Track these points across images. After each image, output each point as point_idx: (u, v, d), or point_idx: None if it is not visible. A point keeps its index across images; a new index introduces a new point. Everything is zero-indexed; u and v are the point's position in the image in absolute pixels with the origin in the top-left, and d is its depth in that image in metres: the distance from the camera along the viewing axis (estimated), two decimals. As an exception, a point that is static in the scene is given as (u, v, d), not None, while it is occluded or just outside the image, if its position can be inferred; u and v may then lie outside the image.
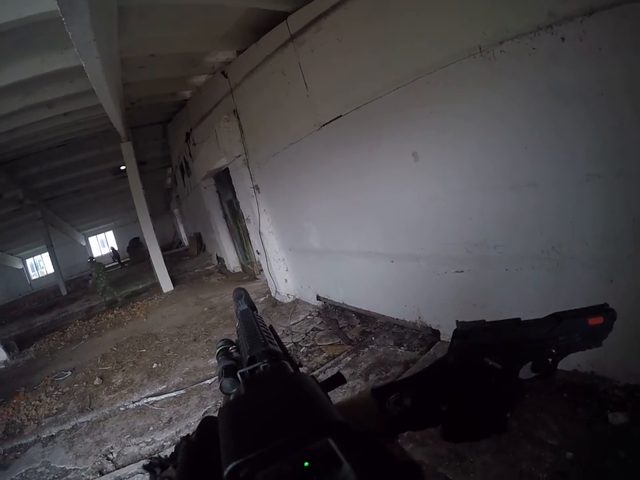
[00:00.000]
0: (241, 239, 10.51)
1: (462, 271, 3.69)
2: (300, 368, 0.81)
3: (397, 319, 4.86)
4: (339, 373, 0.73)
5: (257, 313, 1.09)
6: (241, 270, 11.37)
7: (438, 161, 3.58)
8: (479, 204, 3.32)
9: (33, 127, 8.83)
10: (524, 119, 2.85)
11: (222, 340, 0.97)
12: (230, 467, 0.38)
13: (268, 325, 0.99)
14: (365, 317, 5.41)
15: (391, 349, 4.46)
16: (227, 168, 8.03)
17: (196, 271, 14.05)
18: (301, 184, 5.71)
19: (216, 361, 0.90)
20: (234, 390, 0.72)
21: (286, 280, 7.23)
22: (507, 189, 3.09)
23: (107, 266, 27.11)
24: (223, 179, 9.65)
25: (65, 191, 18.54)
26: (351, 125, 4.35)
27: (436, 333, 4.28)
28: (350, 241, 5.12)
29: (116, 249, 26.73)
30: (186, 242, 22.99)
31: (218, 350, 0.91)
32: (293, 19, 4.78)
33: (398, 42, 3.56)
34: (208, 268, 13.72)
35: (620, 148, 2.44)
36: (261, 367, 0.70)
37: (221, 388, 0.74)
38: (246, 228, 8.37)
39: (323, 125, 4.73)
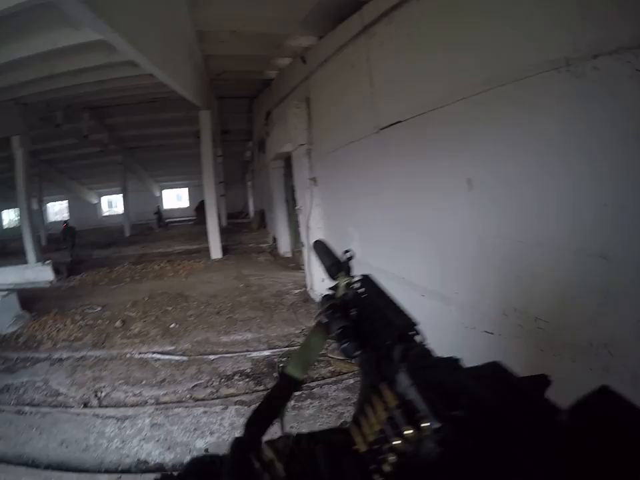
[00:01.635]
0: (296, 226, 10.52)
1: (492, 333, 3.13)
2: None
3: None
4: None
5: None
6: (290, 256, 11.37)
7: (494, 196, 2.98)
8: (532, 262, 2.67)
9: (120, 81, 9.76)
10: (614, 165, 2.12)
11: (326, 295, 0.96)
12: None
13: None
14: None
15: None
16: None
17: (250, 245, 14.23)
18: (353, 186, 5.46)
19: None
20: (357, 352, 0.74)
21: (323, 279, 6.89)
22: (569, 253, 2.40)
23: (170, 220, 28.68)
24: (291, 164, 9.71)
25: (148, 143, 20.03)
26: (409, 132, 3.95)
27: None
28: (386, 259, 4.79)
29: (161, 209, 27.86)
30: (252, 215, 23.66)
31: (326, 306, 0.90)
32: (368, 8, 4.48)
33: (470, 44, 3.03)
34: (262, 245, 13.83)
35: None
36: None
37: (344, 351, 0.75)
38: (300, 217, 8.46)
39: (382, 129, 4.40)
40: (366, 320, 0.81)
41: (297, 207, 7.68)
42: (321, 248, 1.19)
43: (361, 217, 5.41)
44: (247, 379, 4.47)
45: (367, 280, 0.94)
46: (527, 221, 2.69)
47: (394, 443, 0.52)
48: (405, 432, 0.51)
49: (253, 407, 0.79)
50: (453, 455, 0.45)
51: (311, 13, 5.75)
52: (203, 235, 12.82)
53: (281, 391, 0.85)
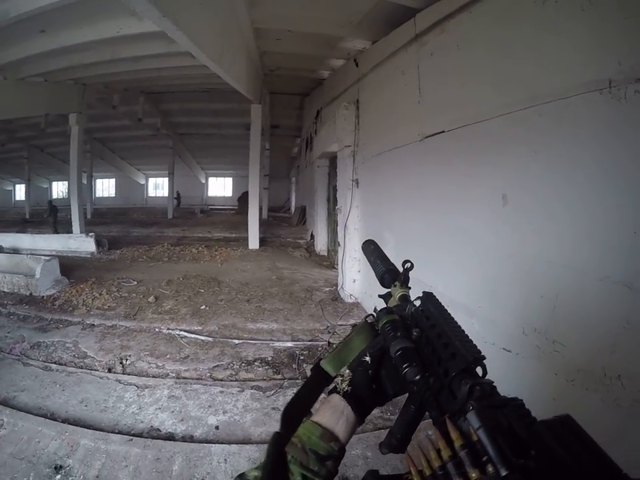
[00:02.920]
0: (334, 226, 10.58)
1: (510, 351, 3.11)
2: None
3: None
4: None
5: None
6: (326, 254, 11.41)
7: (527, 214, 2.96)
8: (557, 284, 2.64)
9: (177, 70, 10.19)
10: None
11: (387, 309, 0.90)
12: None
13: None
14: None
15: None
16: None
17: (287, 239, 14.32)
18: (393, 191, 5.48)
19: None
20: (417, 377, 0.69)
21: (354, 280, 7.10)
22: (595, 279, 2.34)
23: (213, 207, 29.28)
24: (335, 164, 9.81)
25: (199, 131, 20.74)
26: (452, 143, 3.96)
27: None
28: (417, 266, 4.73)
29: (180, 193, 28.26)
30: (293, 210, 23.82)
31: (387, 320, 0.84)
32: (421, 17, 4.54)
33: (518, 58, 3.01)
34: (299, 241, 13.86)
35: None
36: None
37: (405, 375, 0.70)
38: (340, 216, 8.49)
39: (426, 137, 4.42)
40: (428, 343, 0.77)
41: (337, 207, 7.75)
42: (373, 250, 1.16)
43: (396, 222, 5.45)
44: (267, 367, 4.59)
45: (429, 298, 0.89)
46: (557, 242, 2.68)
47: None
48: (470, 474, 0.52)
49: (288, 400, 0.81)
50: None
51: (366, 17, 5.83)
52: (243, 225, 13.05)
53: (314, 384, 0.86)
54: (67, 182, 22.41)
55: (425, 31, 4.40)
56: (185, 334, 5.47)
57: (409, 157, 4.88)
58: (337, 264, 8.04)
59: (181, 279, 8.19)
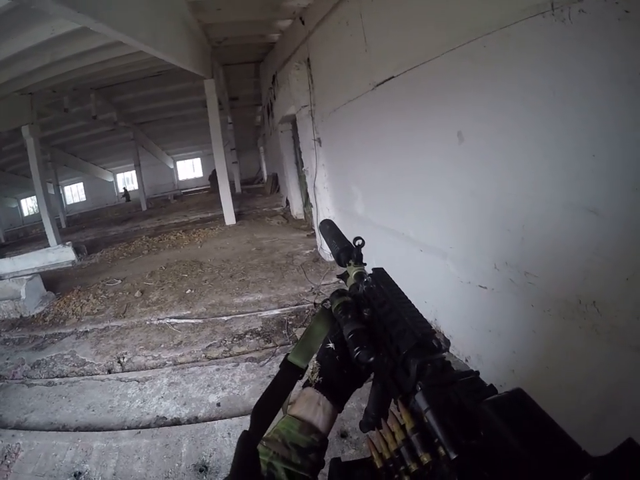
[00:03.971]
0: (306, 188, 10.54)
1: (485, 288, 3.11)
2: None
3: None
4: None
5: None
6: (303, 217, 11.43)
7: (485, 148, 2.90)
8: (522, 215, 2.61)
9: (123, 59, 9.76)
10: (600, 113, 1.99)
11: (338, 291, 0.89)
12: None
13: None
14: None
15: None
16: (297, 116, 7.97)
17: (263, 209, 14.26)
18: (353, 145, 5.41)
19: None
20: (371, 359, 0.69)
21: (333, 240, 7.21)
22: (560, 207, 2.31)
23: (186, 191, 29.08)
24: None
25: (158, 117, 20.14)
26: (402, 88, 3.87)
27: (447, 342, 3.78)
28: (387, 215, 4.81)
29: (127, 188, 29.03)
30: (265, 179, 23.59)
31: (339, 303, 0.84)
32: None
33: None
34: (275, 209, 13.83)
35: None
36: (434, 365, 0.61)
37: (357, 359, 0.70)
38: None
39: (377, 85, 4.32)
40: (379, 321, 0.76)
41: (303, 169, 7.73)
42: (328, 230, 1.14)
43: (362, 175, 5.43)
44: (258, 337, 4.67)
45: (380, 274, 0.88)
46: (517, 173, 2.64)
47: (409, 466, 0.53)
48: (422, 458, 0.51)
49: (259, 397, 0.79)
50: None
51: None
52: (217, 203, 12.96)
53: (284, 379, 0.84)
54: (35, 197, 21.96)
55: None
56: (175, 321, 5.51)
57: (364, 107, 4.82)
58: (314, 225, 8.05)
59: (164, 268, 8.17)
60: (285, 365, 0.85)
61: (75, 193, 32.01)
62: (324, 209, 7.09)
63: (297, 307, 5.33)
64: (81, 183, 31.38)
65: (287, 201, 13.24)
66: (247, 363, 4.17)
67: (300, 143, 7.75)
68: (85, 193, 31.77)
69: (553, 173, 2.33)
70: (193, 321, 5.43)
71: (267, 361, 4.12)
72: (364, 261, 1.04)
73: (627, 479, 0.39)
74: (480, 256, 3.12)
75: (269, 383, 0.82)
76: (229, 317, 5.33)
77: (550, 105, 2.27)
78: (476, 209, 3.10)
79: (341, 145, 6.04)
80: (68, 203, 29.64)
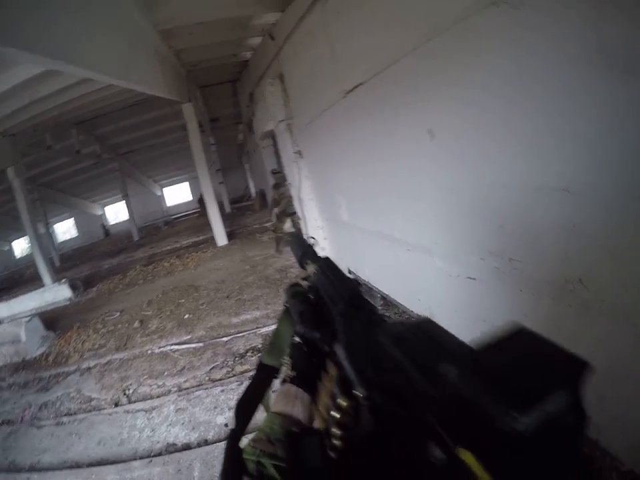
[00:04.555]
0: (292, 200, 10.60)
1: (474, 279, 3.14)
2: None
3: (411, 310, 4.51)
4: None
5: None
6: (293, 229, 11.56)
7: (456, 143, 2.94)
8: (499, 204, 2.66)
9: (101, 91, 9.79)
10: (561, 95, 2.04)
11: (292, 284, 0.97)
12: None
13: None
14: (388, 301, 5.19)
15: None
16: (276, 131, 8.02)
17: (254, 227, 14.27)
18: (332, 154, 5.44)
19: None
20: (315, 334, 0.73)
21: (323, 248, 7.08)
22: (532, 190, 2.35)
23: (176, 216, 29.07)
24: (277, 141, 9.76)
25: (140, 145, 20.04)
26: (371, 93, 3.94)
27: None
28: (371, 219, 4.84)
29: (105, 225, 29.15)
30: (253, 196, 23.53)
31: (291, 293, 0.91)
32: None
33: None
34: (265, 225, 13.75)
35: None
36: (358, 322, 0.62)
37: (299, 333, 0.76)
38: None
39: (347, 93, 4.38)
40: (323, 300, 0.81)
41: (287, 182, 7.78)
42: (294, 242, 1.22)
43: (343, 183, 5.46)
44: (259, 354, 4.69)
45: (324, 263, 0.94)
46: (490, 162, 2.67)
47: (333, 415, 0.55)
48: (340, 403, 0.54)
49: (238, 398, 0.85)
50: (386, 422, 0.45)
51: None
52: (208, 225, 12.99)
53: (260, 380, 0.89)
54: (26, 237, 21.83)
55: None
56: (176, 347, 5.52)
57: (338, 116, 4.88)
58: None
59: (160, 295, 8.18)
60: (260, 366, 0.91)
61: (65, 229, 31.78)
62: (312, 220, 7.13)
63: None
64: (71, 219, 31.15)
65: (276, 215, 13.26)
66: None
67: (282, 157, 7.82)
68: (76, 229, 31.53)
69: (524, 158, 2.37)
70: (193, 345, 5.44)
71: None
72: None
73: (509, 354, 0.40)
74: (465, 248, 3.16)
75: (246, 387, 0.87)
76: (229, 337, 5.35)
77: (514, 92, 2.32)
78: (455, 203, 3.15)
79: (321, 155, 6.08)
80: (59, 240, 29.38)
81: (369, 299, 0.70)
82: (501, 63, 2.35)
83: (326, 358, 0.77)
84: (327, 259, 0.96)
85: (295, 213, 8.96)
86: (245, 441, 0.72)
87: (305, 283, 0.99)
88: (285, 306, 0.95)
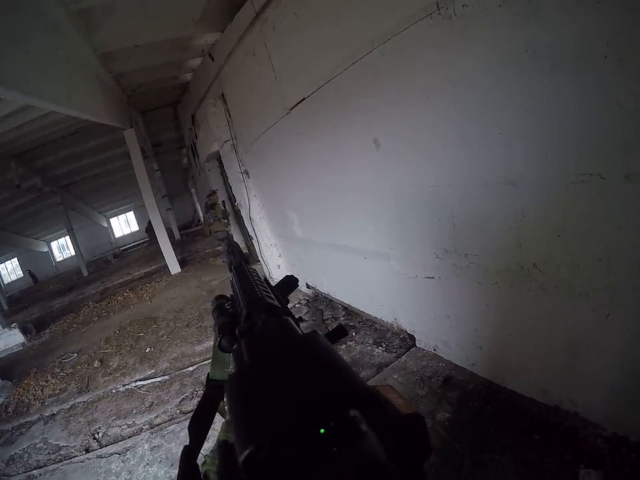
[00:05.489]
0: (242, 221, 10.48)
1: (432, 278, 3.25)
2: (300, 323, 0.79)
3: (375, 317, 4.60)
4: (340, 325, 0.65)
5: (250, 266, 1.07)
6: (246, 251, 11.51)
7: (401, 149, 3.08)
8: (448, 203, 2.78)
9: (40, 120, 9.47)
10: (496, 94, 2.19)
11: (216, 297, 0.97)
12: (246, 453, 0.35)
13: (263, 278, 0.95)
14: (350, 310, 5.24)
15: (369, 347, 4.29)
16: (221, 152, 7.95)
17: (206, 251, 14.11)
18: (280, 171, 5.50)
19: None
20: (234, 347, 0.72)
21: (279, 266, 7.15)
22: (479, 187, 2.49)
23: (125, 248, 28.30)
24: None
25: (83, 176, 19.22)
26: (315, 107, 4.02)
27: (412, 338, 3.96)
28: (326, 232, 4.89)
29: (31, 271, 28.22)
30: (202, 221, 23.11)
31: (213, 307, 0.91)
32: None
33: (349, 9, 3.06)
34: (218, 248, 13.65)
35: (634, 142, 1.69)
36: (259, 322, 0.66)
37: (220, 347, 0.74)
38: (246, 211, 8.36)
39: (291, 109, 4.46)
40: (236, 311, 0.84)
41: (236, 202, 7.74)
42: (226, 249, 1.26)
43: (294, 199, 5.51)
44: (225, 378, 4.64)
45: (236, 269, 1.00)
46: (434, 164, 2.81)
47: None
48: None
49: (191, 414, 0.86)
50: None
51: (206, 11, 5.65)
52: (159, 254, 12.72)
53: (210, 396, 0.91)
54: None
55: (262, 8, 4.35)
56: (142, 383, 5.32)
57: (283, 133, 4.92)
58: (258, 257, 8.06)
59: (118, 331, 7.88)
60: (208, 383, 0.94)
61: (10, 269, 30.27)
62: (264, 239, 7.11)
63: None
64: (15, 259, 29.69)
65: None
66: (223, 408, 4.13)
67: (229, 178, 7.77)
68: (22, 268, 29.99)
69: (467, 156, 2.51)
70: (159, 379, 5.28)
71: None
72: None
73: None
74: (420, 249, 3.27)
75: (197, 404, 0.89)
76: (195, 366, 5.23)
77: (451, 96, 2.46)
78: (405, 207, 3.27)
79: (268, 173, 6.11)
80: (5, 282, 27.98)
81: (271, 299, 0.76)
82: (439, 68, 2.49)
83: None
84: (238, 266, 1.01)
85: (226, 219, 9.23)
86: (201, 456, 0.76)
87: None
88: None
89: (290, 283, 0.98)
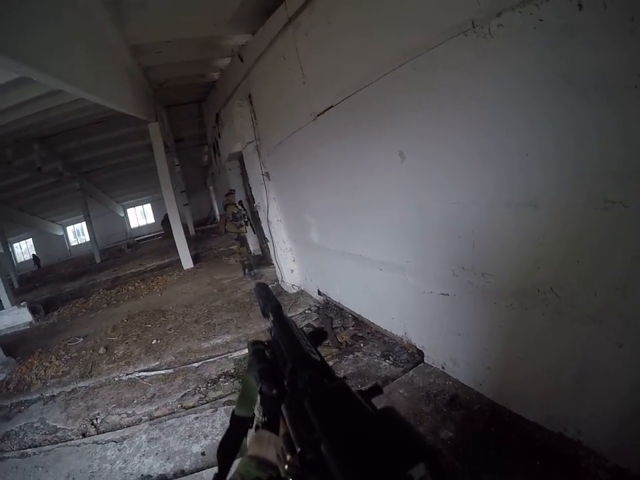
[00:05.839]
0: (259, 223, 10.48)
1: (447, 294, 3.22)
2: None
3: (384, 329, 4.56)
4: (376, 384, 0.65)
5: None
6: (260, 253, 11.42)
7: (425, 164, 3.08)
8: (469, 221, 2.76)
9: (65, 107, 9.63)
10: (522, 117, 2.19)
11: (253, 341, 0.99)
12: None
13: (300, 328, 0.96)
14: (360, 321, 5.18)
15: (376, 360, 4.24)
16: (243, 153, 7.99)
17: (220, 249, 14.16)
18: (303, 176, 5.49)
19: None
20: (273, 391, 0.77)
21: (292, 270, 7.13)
22: (502, 206, 2.48)
23: (140, 238, 28.49)
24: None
25: (104, 164, 19.52)
26: (342, 116, 4.02)
27: (420, 353, 3.92)
28: (343, 240, 4.88)
29: (36, 255, 28.32)
30: (218, 219, 23.16)
31: (251, 352, 0.93)
32: (290, 0, 4.47)
33: (386, 20, 3.05)
34: (232, 247, 13.74)
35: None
36: (306, 377, 0.68)
37: (260, 391, 0.80)
38: (263, 213, 8.38)
39: (318, 115, 4.46)
40: (277, 359, 0.85)
41: (255, 204, 7.75)
42: (258, 292, 1.24)
43: (313, 204, 5.50)
44: (232, 379, 4.56)
45: (275, 316, 0.99)
46: (459, 182, 2.79)
47: (285, 468, 0.58)
48: (287, 457, 0.57)
49: (218, 445, 0.90)
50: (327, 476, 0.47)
51: (239, 11, 5.71)
52: (173, 248, 12.79)
53: (234, 430, 0.94)
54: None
55: (296, 13, 4.38)
56: (145, 374, 5.32)
57: (308, 138, 4.93)
58: (272, 260, 8.06)
59: (126, 320, 7.92)
60: (233, 419, 0.95)
61: (25, 250, 30.65)
62: (280, 242, 7.10)
63: (267, 340, 5.28)
64: (30, 239, 30.09)
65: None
66: (225, 407, 4.06)
67: (249, 179, 7.78)
68: (35, 249, 30.37)
69: (491, 176, 2.51)
70: (163, 371, 5.28)
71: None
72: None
73: None
74: (437, 265, 3.24)
75: (222, 437, 0.92)
76: (200, 363, 5.21)
77: (480, 114, 2.45)
78: (426, 221, 3.25)
79: (289, 177, 6.12)
80: (18, 260, 28.30)
81: (315, 356, 0.75)
82: (468, 89, 2.49)
83: None
84: (276, 311, 1.01)
85: (245, 220, 9.15)
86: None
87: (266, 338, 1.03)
88: (250, 359, 0.98)
89: (320, 334, 0.97)
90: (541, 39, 2.00)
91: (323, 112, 4.35)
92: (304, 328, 5.05)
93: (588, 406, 2.27)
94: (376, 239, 4.10)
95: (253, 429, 0.91)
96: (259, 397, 0.89)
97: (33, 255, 27.86)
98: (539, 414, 2.63)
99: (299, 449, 0.53)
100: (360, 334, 4.93)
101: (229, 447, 0.91)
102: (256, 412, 0.91)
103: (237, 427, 0.93)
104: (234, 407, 0.97)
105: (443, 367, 3.61)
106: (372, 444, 0.45)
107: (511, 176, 2.36)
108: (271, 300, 1.10)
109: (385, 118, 3.37)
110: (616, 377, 2.08)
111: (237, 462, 0.82)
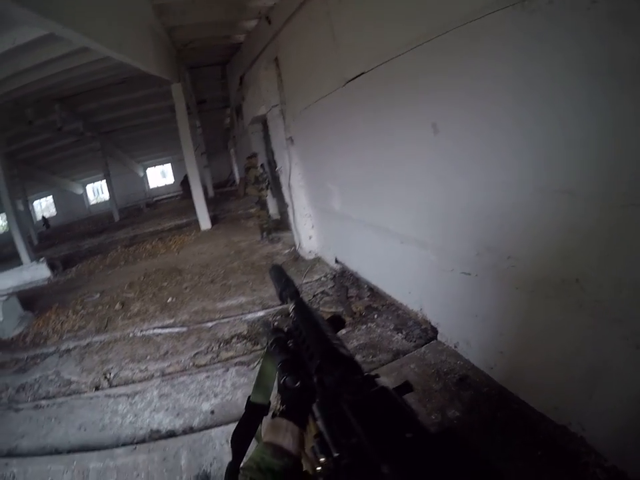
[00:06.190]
0: (280, 187, 10.44)
1: (469, 274, 3.13)
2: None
3: (400, 302, 4.52)
4: (406, 380, 0.66)
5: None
6: (279, 217, 11.39)
7: (459, 139, 2.92)
8: (499, 202, 2.66)
9: (87, 67, 9.55)
10: (569, 100, 2.06)
11: (273, 329, 1.00)
12: None
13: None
14: (376, 292, 5.15)
15: (389, 332, 4.21)
16: (267, 116, 7.88)
17: (239, 212, 14.15)
18: (327, 142, 5.37)
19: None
20: (297, 384, 0.78)
21: (310, 237, 7.12)
22: (535, 191, 2.35)
23: (158, 198, 28.68)
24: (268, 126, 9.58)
25: (125, 124, 19.56)
26: (374, 83, 3.85)
27: (434, 330, 3.88)
28: (365, 210, 4.80)
29: (46, 216, 28.32)
30: (238, 182, 23.25)
31: (271, 340, 0.94)
32: None
33: None
34: (250, 210, 13.72)
35: None
36: (336, 375, 0.66)
37: (284, 384, 0.80)
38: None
39: (348, 82, 4.29)
40: (300, 350, 0.85)
41: (277, 168, 7.65)
42: (274, 275, 1.24)
43: (337, 171, 5.40)
44: (245, 341, 4.61)
45: (299, 307, 0.98)
46: (492, 160, 2.68)
47: (317, 469, 0.58)
48: (321, 460, 0.57)
49: (233, 431, 0.91)
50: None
51: None
52: (191, 209, 12.83)
53: (250, 417, 0.95)
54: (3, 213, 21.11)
55: None
56: (159, 331, 5.41)
57: (336, 104, 4.79)
58: (290, 224, 8.01)
59: (142, 278, 8.03)
60: (249, 406, 0.97)
61: (44, 207, 31.06)
62: (300, 208, 7.07)
63: (281, 307, 5.25)
64: (50, 197, 30.45)
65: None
66: (236, 367, 4.11)
67: (272, 143, 7.69)
68: (55, 207, 30.83)
69: (528, 158, 2.38)
70: (177, 329, 5.33)
71: (257, 364, 4.05)
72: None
73: None
74: (461, 243, 3.15)
75: (238, 424, 0.94)
76: (214, 323, 5.26)
77: (520, 92, 2.32)
78: (454, 197, 3.13)
79: (314, 142, 5.99)
80: (38, 218, 28.75)
81: (344, 351, 0.72)
82: (510, 66, 2.37)
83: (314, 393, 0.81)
84: (300, 303, 1.00)
85: (267, 184, 9.14)
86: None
87: (286, 324, 1.03)
88: (267, 347, 0.99)
89: (338, 321, 0.97)
90: (594, 21, 1.85)
91: (354, 78, 4.19)
92: (319, 295, 5.00)
93: (595, 403, 2.23)
94: (400, 211, 4.02)
95: (269, 416, 0.92)
96: (275, 385, 0.90)
97: (42, 216, 28.15)
98: (546, 404, 2.61)
99: (336, 454, 0.53)
100: (374, 305, 4.90)
101: (243, 434, 0.92)
102: (272, 400, 0.93)
103: (253, 414, 0.95)
104: (250, 393, 0.98)
105: (455, 346, 3.57)
106: (436, 471, 0.43)
107: (551, 160, 2.24)
108: (289, 285, 1.12)
109: (419, 88, 3.23)
110: (627, 378, 2.03)
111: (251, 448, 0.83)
